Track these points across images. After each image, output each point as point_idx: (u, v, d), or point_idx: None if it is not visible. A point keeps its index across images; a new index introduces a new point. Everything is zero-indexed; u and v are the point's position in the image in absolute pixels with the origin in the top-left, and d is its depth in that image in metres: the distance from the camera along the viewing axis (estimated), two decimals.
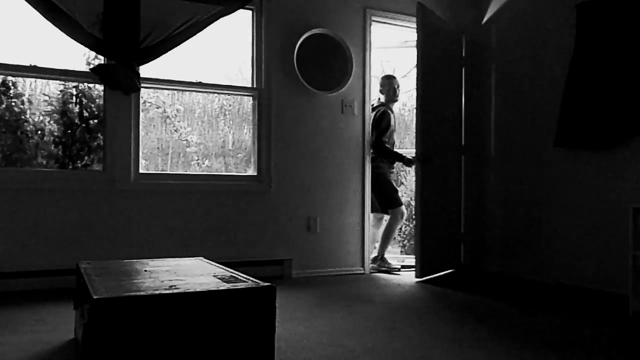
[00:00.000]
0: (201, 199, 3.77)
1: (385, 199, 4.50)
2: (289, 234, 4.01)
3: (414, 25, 4.51)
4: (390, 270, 4.34)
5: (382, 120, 4.45)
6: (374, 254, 4.50)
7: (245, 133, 4.24)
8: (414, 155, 4.24)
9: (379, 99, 4.62)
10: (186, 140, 4.14)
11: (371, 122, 4.39)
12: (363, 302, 3.16)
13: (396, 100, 4.65)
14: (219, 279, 1.95)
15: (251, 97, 4.08)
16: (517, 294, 3.50)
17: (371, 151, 4.36)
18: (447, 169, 4.34)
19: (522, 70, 4.09)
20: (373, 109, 4.48)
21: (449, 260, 4.34)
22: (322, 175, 4.15)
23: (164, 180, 3.71)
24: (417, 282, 3.87)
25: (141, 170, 3.67)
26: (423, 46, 4.01)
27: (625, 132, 3.28)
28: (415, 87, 4.06)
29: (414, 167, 4.37)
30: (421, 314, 2.90)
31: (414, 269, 4.13)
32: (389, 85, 4.57)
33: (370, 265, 4.34)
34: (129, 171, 3.58)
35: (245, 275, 2.02)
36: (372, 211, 4.39)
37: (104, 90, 3.58)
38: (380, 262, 4.42)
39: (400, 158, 4.49)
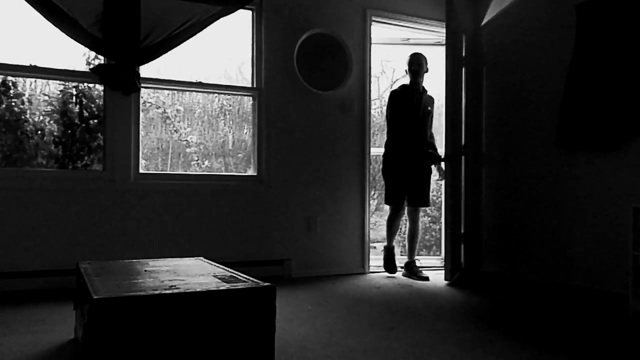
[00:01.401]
0: (201, 199, 3.77)
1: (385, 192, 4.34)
2: (289, 234, 4.01)
3: (415, 25, 4.53)
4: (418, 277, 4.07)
5: (388, 103, 4.29)
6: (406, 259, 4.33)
7: (245, 133, 4.24)
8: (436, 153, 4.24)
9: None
10: (186, 140, 4.14)
11: None
12: (363, 302, 3.16)
13: (412, 80, 4.24)
14: (219, 279, 1.94)
15: (251, 97, 4.09)
16: (516, 295, 3.50)
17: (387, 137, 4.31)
18: (457, 168, 4.35)
19: (523, 70, 4.09)
20: None
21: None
22: (322, 175, 4.15)
23: (164, 180, 3.72)
24: (447, 284, 3.83)
25: (141, 170, 3.67)
26: (453, 45, 4.03)
27: (626, 133, 3.28)
28: (445, 83, 4.08)
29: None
30: (421, 314, 2.90)
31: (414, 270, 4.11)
32: (407, 63, 4.29)
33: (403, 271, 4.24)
34: (129, 171, 3.58)
35: (245, 275, 2.02)
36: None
37: (104, 90, 3.58)
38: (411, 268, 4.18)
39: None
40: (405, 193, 4.21)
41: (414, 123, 4.19)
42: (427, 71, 4.28)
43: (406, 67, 4.29)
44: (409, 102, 4.19)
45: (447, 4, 4.05)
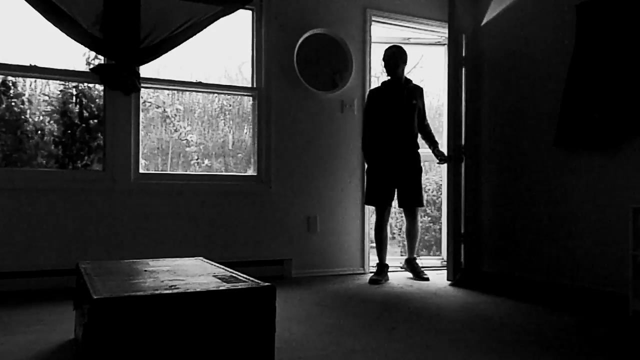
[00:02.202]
0: (201, 199, 3.77)
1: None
2: (289, 234, 4.01)
3: (415, 25, 4.54)
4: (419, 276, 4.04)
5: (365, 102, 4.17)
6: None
7: (245, 133, 4.24)
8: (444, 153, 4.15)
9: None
10: (186, 140, 4.14)
11: None
12: (363, 302, 3.16)
13: (388, 75, 4.09)
14: (219, 279, 1.94)
15: (251, 97, 4.09)
16: (516, 295, 3.50)
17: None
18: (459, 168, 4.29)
19: (523, 70, 4.09)
20: None
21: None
22: (322, 175, 4.15)
23: (164, 180, 3.72)
24: (450, 285, 3.81)
25: (141, 170, 3.67)
26: (455, 44, 4.03)
27: (626, 133, 3.28)
28: (447, 82, 4.08)
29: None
30: (422, 314, 2.90)
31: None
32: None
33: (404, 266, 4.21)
34: (129, 171, 3.58)
35: (245, 275, 2.02)
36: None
37: (104, 90, 3.58)
38: (413, 266, 4.12)
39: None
40: (391, 194, 4.02)
41: (397, 118, 4.01)
42: (404, 62, 4.07)
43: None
44: (389, 98, 4.02)
45: (450, 3, 4.02)
